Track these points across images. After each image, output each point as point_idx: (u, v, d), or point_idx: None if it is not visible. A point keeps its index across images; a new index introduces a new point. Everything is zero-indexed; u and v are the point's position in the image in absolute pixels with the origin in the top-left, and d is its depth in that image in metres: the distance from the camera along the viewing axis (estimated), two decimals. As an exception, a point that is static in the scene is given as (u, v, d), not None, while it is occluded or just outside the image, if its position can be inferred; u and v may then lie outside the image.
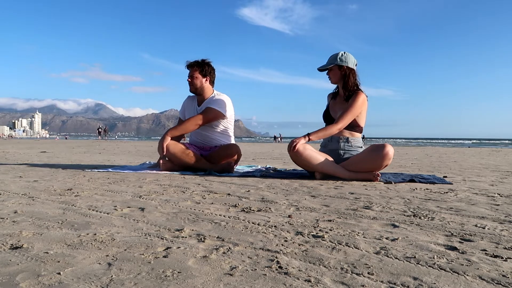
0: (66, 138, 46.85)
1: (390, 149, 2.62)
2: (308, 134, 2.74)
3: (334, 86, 3.00)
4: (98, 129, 38.56)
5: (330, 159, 2.76)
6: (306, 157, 2.70)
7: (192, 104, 3.49)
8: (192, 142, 3.46)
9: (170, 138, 3.19)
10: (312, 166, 2.73)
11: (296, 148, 2.68)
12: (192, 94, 3.51)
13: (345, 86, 2.85)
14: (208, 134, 3.38)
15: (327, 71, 2.90)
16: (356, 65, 2.89)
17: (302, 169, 3.12)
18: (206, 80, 3.36)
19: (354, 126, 2.82)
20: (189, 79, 3.34)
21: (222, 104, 3.32)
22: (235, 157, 3.31)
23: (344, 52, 2.86)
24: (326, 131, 2.77)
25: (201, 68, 3.32)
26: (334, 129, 2.75)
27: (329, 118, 2.90)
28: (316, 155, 2.71)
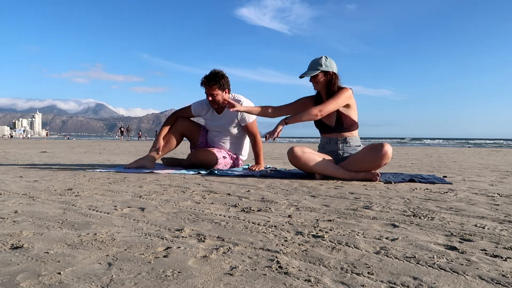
0: (46, 134, 44.98)
1: (388, 148, 2.61)
2: (285, 119, 2.74)
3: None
4: (120, 128, 36.46)
5: (329, 159, 2.76)
6: (305, 160, 2.69)
7: (205, 109, 3.45)
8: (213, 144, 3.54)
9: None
10: (312, 168, 2.72)
11: (278, 135, 2.67)
12: (200, 100, 3.49)
13: (329, 92, 2.78)
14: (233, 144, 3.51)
15: (310, 78, 2.79)
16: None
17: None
18: (225, 92, 3.29)
19: (351, 125, 2.78)
20: (211, 98, 3.25)
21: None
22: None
23: (326, 57, 2.79)
24: (304, 116, 2.68)
25: (218, 84, 3.22)
26: (313, 112, 2.67)
27: (322, 124, 2.86)
28: (315, 157, 2.71)
